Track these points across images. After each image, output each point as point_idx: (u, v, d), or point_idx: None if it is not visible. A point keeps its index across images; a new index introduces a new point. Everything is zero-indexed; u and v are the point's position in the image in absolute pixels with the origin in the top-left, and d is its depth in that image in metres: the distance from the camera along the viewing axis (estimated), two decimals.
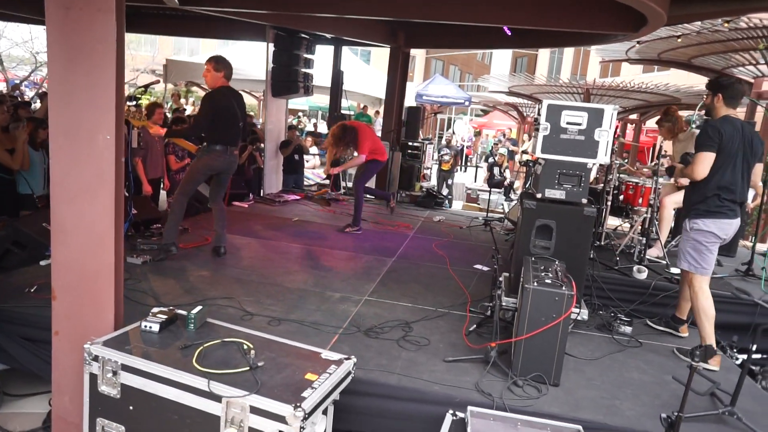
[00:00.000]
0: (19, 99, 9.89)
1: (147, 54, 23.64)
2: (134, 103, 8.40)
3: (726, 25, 7.53)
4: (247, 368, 2.36)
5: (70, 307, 2.56)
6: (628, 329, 3.82)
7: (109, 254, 2.52)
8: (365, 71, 14.67)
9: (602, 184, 5.66)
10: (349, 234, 6.12)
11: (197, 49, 23.63)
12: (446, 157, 11.06)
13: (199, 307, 2.79)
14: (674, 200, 4.77)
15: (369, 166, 6.25)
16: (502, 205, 9.44)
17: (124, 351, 2.40)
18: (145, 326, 2.63)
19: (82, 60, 2.37)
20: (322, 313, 3.73)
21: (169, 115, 9.75)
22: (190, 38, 22.99)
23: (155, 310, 2.80)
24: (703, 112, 3.95)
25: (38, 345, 3.09)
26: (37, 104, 10.79)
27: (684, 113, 7.86)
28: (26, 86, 18.07)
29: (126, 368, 2.35)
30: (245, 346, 2.55)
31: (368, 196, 6.86)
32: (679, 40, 8.02)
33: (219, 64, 4.45)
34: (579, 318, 3.65)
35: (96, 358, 2.39)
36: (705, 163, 3.35)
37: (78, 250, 2.51)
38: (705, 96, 3.53)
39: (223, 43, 18.49)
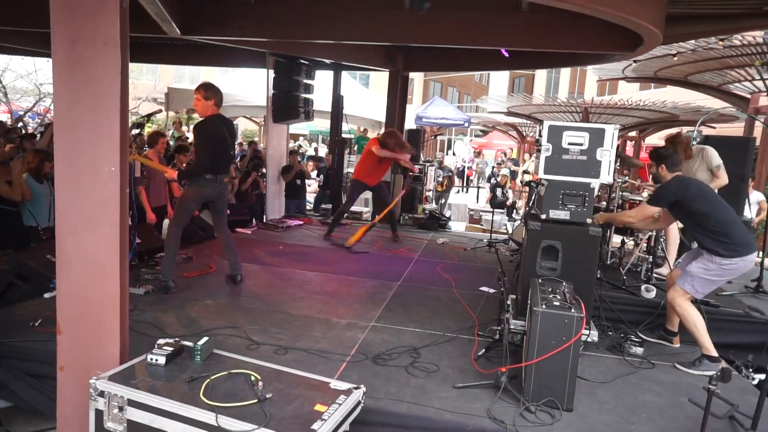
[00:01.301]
0: (23, 131, 9.97)
1: (149, 82, 23.94)
2: (137, 131, 8.48)
3: (720, 43, 7.62)
4: (255, 401, 2.32)
5: (74, 340, 2.53)
6: (639, 350, 3.76)
7: (113, 285, 2.51)
8: (364, 95, 14.82)
9: (605, 203, 5.66)
10: (354, 258, 6.09)
11: (198, 77, 23.88)
12: (439, 179, 11.12)
13: (205, 338, 2.76)
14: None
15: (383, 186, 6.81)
16: (506, 225, 9.42)
17: (130, 386, 2.37)
18: (152, 359, 2.59)
19: (87, 92, 2.38)
20: (329, 340, 3.69)
21: (171, 143, 9.81)
22: (191, 66, 23.28)
23: (161, 341, 2.77)
24: (703, 128, 4.05)
25: (42, 380, 3.04)
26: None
27: (684, 129, 7.90)
28: (30, 117, 18.26)
29: (132, 403, 2.31)
30: (253, 378, 2.51)
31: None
32: (675, 58, 8.11)
33: (208, 91, 4.37)
34: (589, 340, 3.60)
35: (102, 394, 2.36)
36: (644, 213, 3.86)
37: (82, 281, 2.49)
38: (650, 166, 3.96)
39: (224, 71, 18.73)
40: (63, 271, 2.49)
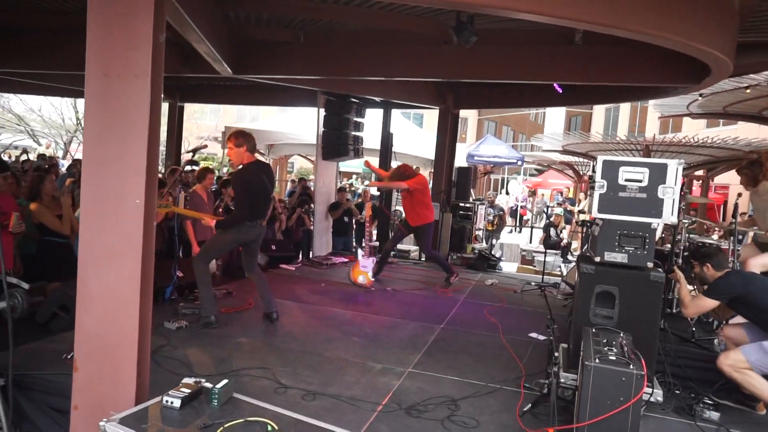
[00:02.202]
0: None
1: (211, 123, 25.11)
2: (191, 168, 8.73)
3: None
4: None
5: (90, 378, 2.45)
6: (714, 415, 3.28)
7: (132, 322, 2.41)
8: (416, 133, 14.83)
9: (669, 245, 5.19)
10: (398, 298, 5.86)
11: (258, 116, 24.89)
12: (489, 218, 10.77)
13: (224, 381, 2.61)
14: (761, 263, 4.23)
15: (425, 230, 6.42)
16: (560, 267, 8.93)
17: (140, 431, 2.23)
18: (167, 401, 2.46)
19: (116, 125, 2.37)
20: (362, 386, 3.45)
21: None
22: (251, 106, 24.29)
23: (185, 381, 2.65)
24: None
25: (65, 416, 2.97)
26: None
27: None
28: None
29: None
30: (270, 428, 2.32)
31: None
32: (748, 90, 7.57)
33: (239, 139, 4.34)
34: (652, 399, 3.19)
35: None
36: (701, 306, 3.57)
37: (101, 317, 2.42)
38: (693, 265, 3.75)
39: (282, 110, 19.34)
40: (83, 306, 2.44)
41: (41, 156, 11.52)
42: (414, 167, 14.96)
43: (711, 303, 3.46)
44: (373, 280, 6.21)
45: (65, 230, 4.78)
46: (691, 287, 4.38)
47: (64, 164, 14.09)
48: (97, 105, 2.37)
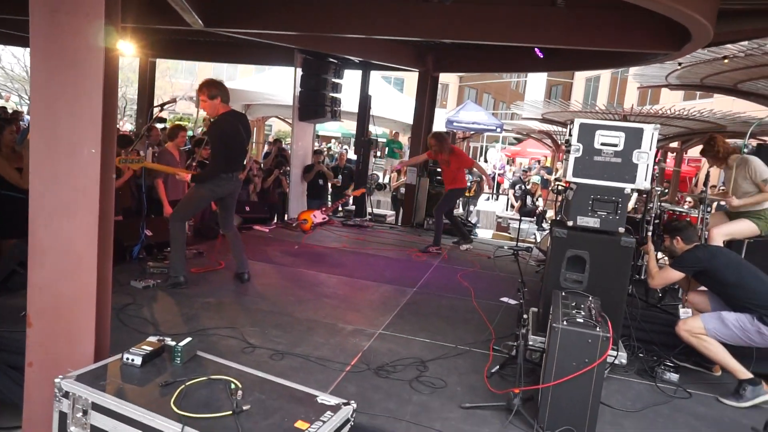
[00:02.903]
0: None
1: (185, 82, 24.33)
2: (162, 125, 8.45)
3: None
4: (230, 412, 2.08)
5: (44, 334, 2.36)
6: (674, 376, 3.36)
7: (89, 277, 2.31)
8: (397, 98, 14.60)
9: (641, 214, 5.24)
10: (371, 261, 5.86)
11: (235, 76, 24.17)
12: (468, 184, 10.75)
13: (188, 339, 2.54)
14: (724, 231, 4.30)
15: (449, 194, 6.86)
16: (534, 234, 9.00)
17: (98, 387, 2.16)
18: (127, 359, 2.38)
19: (66, 68, 2.21)
20: (331, 347, 3.43)
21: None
22: (228, 66, 23.57)
23: (149, 339, 2.57)
24: (753, 141, 3.73)
25: (23, 374, 2.89)
26: None
27: (731, 141, 7.33)
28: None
29: (96, 407, 2.10)
30: (233, 386, 2.27)
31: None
32: (726, 61, 7.56)
33: (211, 89, 4.11)
34: (616, 362, 3.25)
35: (66, 395, 2.16)
36: (667, 278, 3.63)
37: (54, 272, 2.31)
38: (664, 238, 3.79)
39: (260, 69, 18.77)
40: (35, 261, 2.32)
41: (1, 109, 11.00)
42: (393, 132, 14.81)
43: (676, 275, 3.52)
44: (311, 231, 6.83)
45: (25, 184, 4.58)
46: (661, 255, 4.46)
47: (28, 119, 13.52)
48: (44, 46, 2.19)
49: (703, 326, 3.29)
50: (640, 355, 3.66)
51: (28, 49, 18.74)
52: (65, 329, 2.36)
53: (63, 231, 2.29)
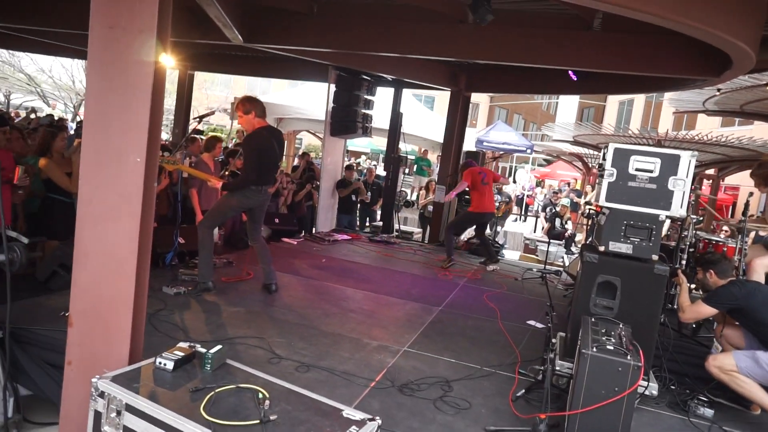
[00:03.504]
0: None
1: (221, 94, 24.96)
2: (198, 136, 8.67)
3: None
4: (257, 421, 2.11)
5: (84, 335, 2.44)
6: (708, 412, 3.26)
7: (128, 282, 2.39)
8: (427, 116, 14.68)
9: (675, 242, 5.13)
10: (398, 278, 5.86)
11: (268, 90, 24.71)
12: (497, 204, 10.68)
13: (218, 347, 2.60)
14: (766, 263, 4.16)
15: (464, 215, 7.11)
16: (562, 257, 8.87)
17: (131, 389, 2.22)
18: (160, 363, 2.45)
19: (119, 80, 2.32)
20: (356, 362, 3.45)
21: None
22: (262, 79, 24.11)
23: (180, 345, 2.64)
24: None
25: (61, 372, 2.96)
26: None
27: None
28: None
29: (130, 409, 2.16)
30: (261, 395, 2.30)
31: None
32: None
33: (246, 105, 4.29)
34: (647, 392, 3.17)
35: (102, 395, 2.23)
36: (699, 313, 3.48)
37: (97, 275, 2.39)
38: (697, 271, 3.70)
39: (293, 84, 19.18)
40: (79, 263, 2.41)
41: (49, 116, 11.46)
42: (422, 150, 14.82)
43: (709, 310, 3.40)
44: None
45: (74, 188, 4.76)
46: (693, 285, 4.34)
47: (73, 127, 14.06)
48: (100, 59, 2.32)
49: (735, 364, 3.18)
50: (672, 387, 3.56)
51: (76, 60, 19.54)
52: (103, 331, 2.44)
53: (107, 235, 2.39)
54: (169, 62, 8.90)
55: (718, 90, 7.97)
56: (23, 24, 7.21)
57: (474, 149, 12.18)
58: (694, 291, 4.41)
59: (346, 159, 11.33)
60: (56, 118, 11.82)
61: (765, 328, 3.22)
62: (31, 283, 4.23)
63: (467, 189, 7.00)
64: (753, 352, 3.22)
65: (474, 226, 7.41)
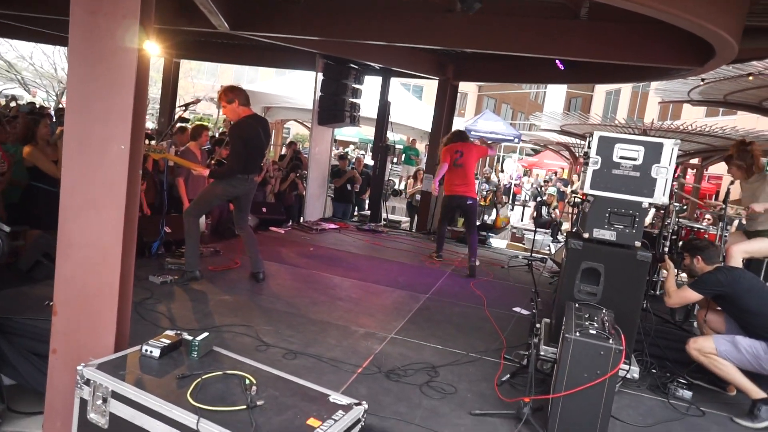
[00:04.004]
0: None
1: (207, 83, 24.67)
2: (183, 125, 8.60)
3: None
4: (244, 407, 2.13)
5: (68, 323, 2.43)
6: (687, 394, 3.34)
7: (113, 271, 2.38)
8: (416, 105, 14.66)
9: (658, 230, 5.21)
10: (385, 266, 5.88)
11: (255, 78, 24.47)
12: (484, 193, 10.75)
13: (205, 334, 2.60)
14: (743, 249, 4.25)
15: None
16: (549, 245, 8.97)
17: (117, 376, 2.23)
18: (146, 350, 2.45)
19: (101, 66, 2.29)
20: (343, 349, 3.47)
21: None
22: (249, 67, 23.85)
23: (167, 333, 2.64)
24: None
25: (46, 361, 2.96)
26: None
27: None
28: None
29: (116, 396, 2.17)
30: (247, 381, 2.32)
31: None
32: (751, 78, 7.48)
33: (229, 94, 4.25)
34: (628, 376, 3.23)
35: (87, 382, 2.23)
36: (685, 298, 3.53)
37: (81, 264, 2.38)
38: (684, 256, 3.69)
39: (280, 73, 19.01)
40: (63, 253, 2.40)
41: (30, 104, 11.26)
42: (410, 139, 14.81)
43: (695, 296, 3.46)
44: None
45: (60, 175, 4.72)
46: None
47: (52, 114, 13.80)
48: (81, 45, 2.28)
49: (715, 347, 3.25)
50: (653, 370, 3.63)
51: (57, 47, 19.10)
52: (88, 319, 2.43)
53: (91, 225, 2.37)
54: (155, 50, 8.77)
55: (702, 80, 8.05)
56: (1, 9, 7.06)
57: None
58: (679, 276, 4.47)
59: (334, 148, 11.31)
60: (37, 105, 11.61)
61: (747, 315, 3.29)
62: (15, 273, 4.19)
63: None
64: (733, 336, 3.29)
65: (456, 214, 6.89)
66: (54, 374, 2.47)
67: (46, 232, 4.40)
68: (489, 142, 16.10)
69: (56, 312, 2.44)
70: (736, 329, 3.38)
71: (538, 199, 11.88)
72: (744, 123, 12.74)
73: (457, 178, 5.96)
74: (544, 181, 14.93)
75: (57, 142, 4.78)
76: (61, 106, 19.28)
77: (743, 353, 3.19)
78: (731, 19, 3.92)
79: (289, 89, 12.51)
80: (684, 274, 4.23)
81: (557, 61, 6.85)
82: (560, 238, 10.01)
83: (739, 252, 4.21)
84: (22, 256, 4.26)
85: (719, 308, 3.64)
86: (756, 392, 3.16)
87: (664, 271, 4.21)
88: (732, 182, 4.71)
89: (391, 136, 10.28)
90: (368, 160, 14.66)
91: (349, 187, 9.25)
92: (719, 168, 15.51)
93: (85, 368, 2.24)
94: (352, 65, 8.54)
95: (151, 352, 2.44)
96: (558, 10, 5.53)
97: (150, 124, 19.05)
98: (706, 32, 3.84)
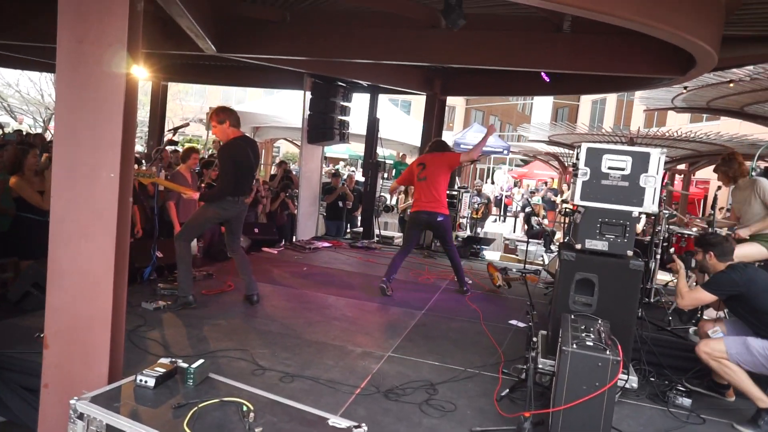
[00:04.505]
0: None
1: (196, 104, 24.71)
2: (173, 148, 8.56)
3: None
4: None
5: (60, 356, 2.39)
6: (686, 401, 3.33)
7: (105, 300, 2.35)
8: (404, 120, 14.75)
9: (650, 236, 5.24)
10: (395, 282, 5.58)
11: (244, 99, 24.56)
12: (476, 206, 10.79)
13: (200, 361, 2.56)
14: (740, 254, 4.27)
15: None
16: (542, 256, 8.99)
17: (112, 409, 2.18)
18: (141, 380, 2.41)
19: (90, 94, 2.29)
20: (340, 369, 3.44)
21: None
22: (237, 88, 23.94)
23: (161, 361, 2.60)
24: (762, 165, 3.69)
25: (37, 396, 2.90)
26: None
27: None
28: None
29: (111, 429, 2.12)
30: (245, 408, 2.29)
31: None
32: (732, 85, 7.63)
33: (219, 115, 4.27)
34: (627, 386, 3.22)
35: (81, 416, 2.18)
36: (698, 299, 3.49)
37: (72, 294, 2.35)
38: (696, 252, 3.60)
39: (268, 92, 19.08)
40: (54, 283, 2.37)
41: (17, 132, 11.20)
42: (401, 155, 14.86)
43: (708, 297, 3.36)
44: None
45: (46, 206, 4.67)
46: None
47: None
48: (69, 73, 2.28)
49: (726, 350, 3.18)
50: (651, 379, 3.63)
51: (44, 74, 19.02)
52: (81, 351, 2.40)
53: (81, 253, 2.34)
54: (142, 74, 8.79)
55: (685, 87, 8.20)
56: None
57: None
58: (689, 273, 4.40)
59: (324, 166, 11.32)
60: (24, 133, 11.55)
61: (762, 315, 3.18)
62: (4, 304, 4.13)
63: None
64: (744, 338, 3.21)
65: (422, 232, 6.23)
66: (46, 409, 2.42)
67: (36, 262, 4.35)
68: (480, 155, 16.21)
69: (47, 345, 2.40)
70: (745, 331, 3.31)
71: (527, 209, 11.92)
72: (728, 128, 12.93)
73: (421, 194, 5.46)
74: (530, 192, 15.00)
75: (44, 171, 4.74)
76: (49, 132, 19.19)
77: (756, 355, 3.12)
78: (710, 29, 4.00)
79: (277, 109, 12.56)
80: (673, 278, 4.22)
81: (543, 73, 6.95)
82: (553, 248, 10.04)
83: (738, 257, 4.23)
84: (12, 287, 4.20)
85: (715, 315, 3.64)
86: (763, 401, 3.10)
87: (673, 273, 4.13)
88: (719, 188, 4.78)
89: (381, 151, 10.32)
90: (359, 176, 14.70)
91: (341, 204, 9.25)
92: (706, 173, 15.70)
93: (78, 402, 2.20)
94: (340, 83, 8.60)
95: (145, 381, 2.40)
96: (541, 23, 5.62)
97: (139, 147, 19.01)
98: (686, 43, 3.92)
